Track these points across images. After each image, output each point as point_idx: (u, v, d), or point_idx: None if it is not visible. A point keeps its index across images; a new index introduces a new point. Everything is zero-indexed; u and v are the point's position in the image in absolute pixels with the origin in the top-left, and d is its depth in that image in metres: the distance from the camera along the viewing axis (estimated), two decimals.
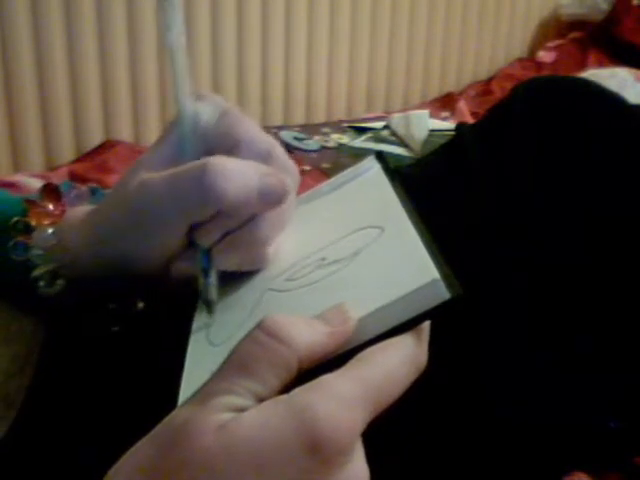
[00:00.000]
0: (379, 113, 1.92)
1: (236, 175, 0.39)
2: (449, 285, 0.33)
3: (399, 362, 0.33)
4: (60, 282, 0.45)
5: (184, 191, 0.40)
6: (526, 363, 0.45)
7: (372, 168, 0.50)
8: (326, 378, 0.31)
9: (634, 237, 0.47)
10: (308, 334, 0.33)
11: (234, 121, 0.43)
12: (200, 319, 0.43)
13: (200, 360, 0.39)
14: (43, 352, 0.47)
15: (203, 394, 0.31)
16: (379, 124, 1.68)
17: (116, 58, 1.58)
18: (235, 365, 0.32)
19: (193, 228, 0.42)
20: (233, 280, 0.44)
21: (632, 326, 0.46)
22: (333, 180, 0.51)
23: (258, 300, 0.41)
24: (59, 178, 1.40)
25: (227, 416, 0.30)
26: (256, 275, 0.44)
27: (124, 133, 1.62)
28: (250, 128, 0.43)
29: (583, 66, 2.04)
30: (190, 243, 0.42)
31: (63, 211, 0.47)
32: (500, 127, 0.54)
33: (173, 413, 0.31)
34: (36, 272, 0.45)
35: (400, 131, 1.59)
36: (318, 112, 1.91)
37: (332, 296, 0.37)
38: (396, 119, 1.65)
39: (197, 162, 0.40)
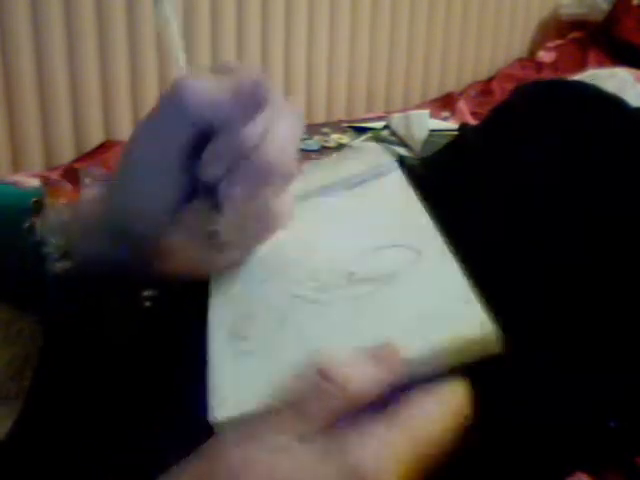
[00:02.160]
0: (379, 113, 1.92)
1: (205, 81, 0.40)
2: (499, 338, 0.33)
3: (446, 416, 0.33)
4: (69, 261, 0.45)
5: (165, 110, 0.41)
6: (526, 363, 0.45)
7: (393, 170, 0.49)
8: (375, 428, 0.31)
9: (633, 237, 0.47)
10: (363, 381, 0.33)
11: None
12: (215, 315, 0.41)
13: (230, 367, 0.37)
14: (43, 354, 0.47)
15: (259, 430, 0.32)
16: (379, 124, 1.68)
17: (116, 58, 1.58)
18: (291, 405, 0.32)
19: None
20: (252, 277, 0.43)
21: (632, 326, 0.46)
22: (347, 174, 0.49)
23: (286, 308, 0.39)
24: (59, 178, 1.40)
25: (280, 458, 0.30)
26: (277, 271, 0.42)
27: (124, 133, 1.62)
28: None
29: (583, 66, 2.04)
30: (200, 191, 0.42)
31: (79, 193, 0.47)
32: (502, 129, 0.54)
33: (225, 445, 0.31)
34: (47, 248, 0.45)
35: (400, 131, 1.59)
36: (318, 112, 1.91)
37: (374, 324, 0.36)
38: (396, 119, 1.65)
39: None
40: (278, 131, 0.41)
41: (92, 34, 1.54)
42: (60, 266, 0.45)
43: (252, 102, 0.41)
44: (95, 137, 1.59)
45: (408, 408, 0.32)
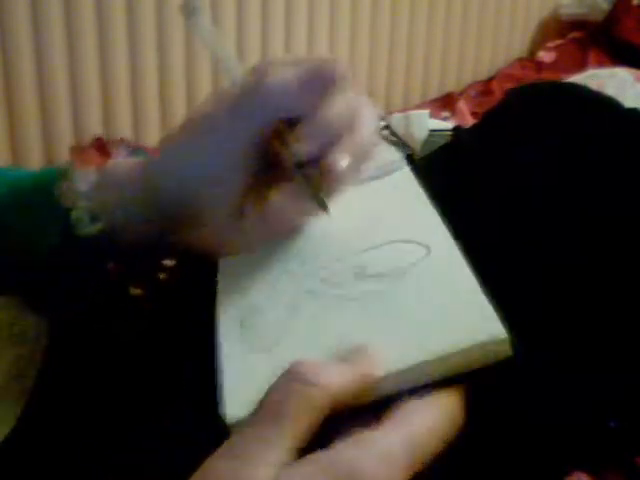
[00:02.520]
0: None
1: (283, 64, 0.42)
2: (512, 342, 0.33)
3: (442, 422, 0.33)
4: (98, 225, 0.45)
5: (248, 99, 0.42)
6: (525, 363, 0.45)
7: (401, 167, 0.49)
8: (370, 434, 0.31)
9: (630, 237, 0.47)
10: (337, 377, 0.33)
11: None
12: (224, 309, 0.41)
13: (241, 366, 0.37)
14: (47, 354, 0.47)
15: (240, 445, 0.31)
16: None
17: (116, 58, 1.58)
18: (267, 415, 0.32)
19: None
20: (261, 270, 0.43)
21: (631, 326, 0.46)
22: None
23: (296, 302, 0.39)
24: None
25: (266, 471, 0.30)
26: (288, 265, 0.42)
27: (124, 133, 1.62)
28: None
29: (583, 66, 2.04)
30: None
31: (107, 160, 0.48)
32: (496, 130, 0.55)
33: (212, 465, 0.31)
34: (76, 213, 0.45)
35: (400, 131, 1.59)
36: None
37: (382, 324, 0.36)
38: (396, 119, 1.64)
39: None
40: (367, 115, 0.44)
41: (92, 34, 1.54)
42: (90, 229, 0.45)
43: (331, 83, 0.42)
44: None
45: (403, 414, 0.32)
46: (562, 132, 0.52)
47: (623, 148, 0.50)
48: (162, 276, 0.49)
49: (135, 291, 0.48)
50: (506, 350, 0.33)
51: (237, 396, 0.34)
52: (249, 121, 0.42)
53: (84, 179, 0.46)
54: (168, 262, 0.50)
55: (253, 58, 1.77)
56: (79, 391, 0.47)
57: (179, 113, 1.68)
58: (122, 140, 0.49)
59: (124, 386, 0.47)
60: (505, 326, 0.33)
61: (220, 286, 0.43)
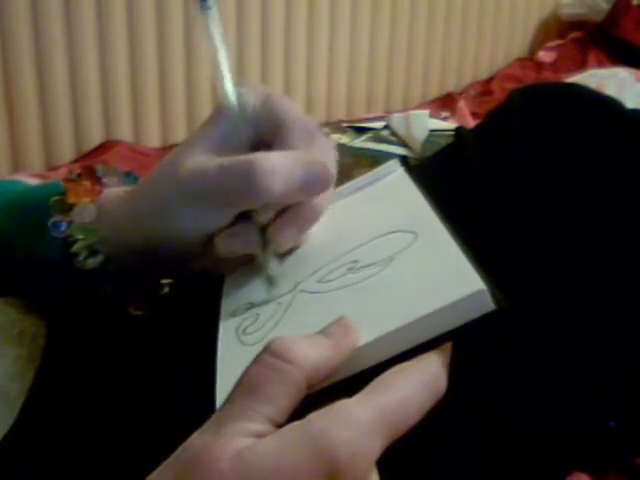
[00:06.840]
0: (379, 113, 1.91)
1: (281, 171, 0.41)
2: (494, 295, 0.33)
3: (418, 389, 0.33)
4: (99, 257, 0.46)
5: (233, 186, 0.41)
6: (525, 363, 0.45)
7: (395, 171, 0.50)
8: (343, 403, 0.31)
9: (632, 239, 0.47)
10: (312, 350, 0.33)
11: (278, 102, 0.45)
12: (227, 308, 0.43)
13: (233, 362, 0.38)
14: (45, 354, 0.47)
15: (217, 420, 0.31)
16: (379, 124, 1.68)
17: (116, 58, 1.58)
18: (244, 389, 0.32)
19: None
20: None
21: (631, 324, 0.46)
22: (354, 182, 0.51)
23: (289, 302, 0.40)
24: (59, 178, 1.39)
25: (242, 442, 0.30)
26: (287, 272, 0.43)
27: (124, 133, 1.62)
28: (293, 109, 0.44)
29: (583, 66, 2.04)
30: (240, 219, 0.43)
31: (101, 190, 0.48)
32: (499, 131, 0.55)
33: (189, 440, 0.31)
34: (76, 247, 0.46)
35: (400, 131, 1.59)
36: (318, 112, 1.91)
37: (366, 302, 0.37)
38: (396, 119, 1.65)
39: (244, 159, 0.42)
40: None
41: (92, 34, 1.54)
42: (91, 262, 0.46)
43: (319, 189, 0.43)
44: (95, 137, 1.59)
45: (382, 388, 0.32)
46: (565, 134, 0.52)
47: (627, 149, 0.50)
48: (161, 292, 0.50)
49: (135, 312, 0.49)
50: (488, 304, 0.33)
51: (228, 389, 0.34)
52: (236, 202, 0.42)
53: (82, 214, 0.46)
54: (166, 280, 0.51)
55: (253, 58, 1.77)
56: (77, 391, 0.47)
57: (179, 113, 1.69)
58: (110, 168, 0.50)
59: (122, 386, 0.47)
60: (488, 282, 0.33)
61: (224, 298, 0.44)
